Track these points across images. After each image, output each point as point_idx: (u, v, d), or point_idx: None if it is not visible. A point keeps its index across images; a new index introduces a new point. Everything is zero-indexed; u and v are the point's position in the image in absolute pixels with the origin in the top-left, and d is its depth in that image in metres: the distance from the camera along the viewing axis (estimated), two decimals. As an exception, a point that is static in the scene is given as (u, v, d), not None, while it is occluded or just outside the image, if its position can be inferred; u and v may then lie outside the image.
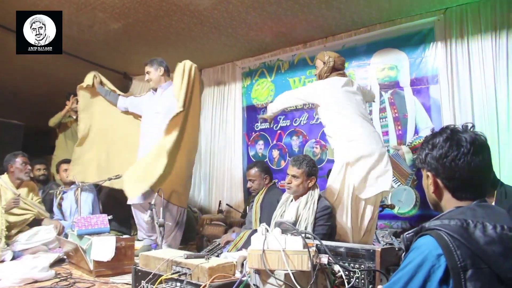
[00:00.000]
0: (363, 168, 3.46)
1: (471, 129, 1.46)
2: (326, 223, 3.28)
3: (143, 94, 4.90)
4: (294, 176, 3.41)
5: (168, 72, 4.65)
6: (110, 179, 4.40)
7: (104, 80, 5.01)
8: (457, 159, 1.41)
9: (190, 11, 4.83)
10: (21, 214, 4.40)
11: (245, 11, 4.81)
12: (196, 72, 4.39)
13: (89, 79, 4.94)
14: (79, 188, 4.42)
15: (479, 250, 1.23)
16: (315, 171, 3.48)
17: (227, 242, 4.07)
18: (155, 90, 4.64)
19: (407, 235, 1.44)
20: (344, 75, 3.85)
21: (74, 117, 6.14)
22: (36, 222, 4.56)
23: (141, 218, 4.34)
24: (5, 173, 4.53)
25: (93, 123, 5.05)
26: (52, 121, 6.09)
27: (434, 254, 1.25)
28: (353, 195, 3.48)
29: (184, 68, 4.30)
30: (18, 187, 4.53)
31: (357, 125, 3.58)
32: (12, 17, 4.34)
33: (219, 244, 4.11)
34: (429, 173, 1.49)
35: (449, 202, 1.46)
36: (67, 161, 5.25)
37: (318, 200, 3.38)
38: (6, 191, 4.40)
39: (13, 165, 4.49)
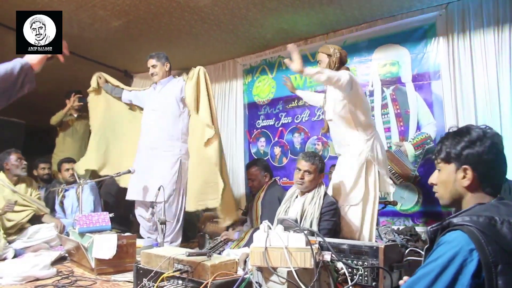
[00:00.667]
0: (382, 165, 3.59)
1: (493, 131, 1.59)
2: (331, 219, 3.29)
3: (147, 88, 4.89)
4: (307, 171, 3.42)
5: (170, 69, 4.64)
6: (111, 176, 4.40)
7: (108, 78, 5.03)
8: (495, 158, 1.54)
9: (190, 8, 4.81)
10: (20, 211, 4.40)
11: (245, 7, 4.79)
12: (208, 79, 4.39)
13: (93, 81, 4.97)
14: (80, 186, 4.40)
15: (507, 246, 1.30)
16: (324, 168, 3.54)
17: (228, 240, 4.07)
18: (155, 85, 4.61)
19: (431, 229, 1.52)
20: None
21: (75, 115, 6.13)
22: (36, 218, 4.56)
23: (142, 215, 4.34)
24: (1, 171, 4.54)
25: (101, 122, 5.04)
26: (54, 120, 6.09)
27: (467, 248, 1.30)
28: (374, 192, 3.56)
29: (199, 78, 4.29)
30: (16, 183, 4.53)
31: (371, 122, 3.72)
32: (11, 16, 4.32)
33: (220, 241, 4.10)
34: (466, 167, 1.55)
35: (473, 198, 1.55)
36: (69, 160, 5.25)
37: (324, 196, 3.38)
38: (3, 189, 4.40)
39: (8, 163, 4.50)
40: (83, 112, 6.01)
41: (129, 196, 4.42)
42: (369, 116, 3.71)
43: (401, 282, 1.71)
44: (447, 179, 1.61)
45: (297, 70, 3.39)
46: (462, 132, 1.58)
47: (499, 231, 1.31)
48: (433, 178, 1.72)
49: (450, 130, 1.66)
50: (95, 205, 5.10)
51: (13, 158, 4.51)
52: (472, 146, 1.53)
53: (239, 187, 6.28)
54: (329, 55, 3.72)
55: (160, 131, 4.38)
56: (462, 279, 1.29)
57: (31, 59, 2.24)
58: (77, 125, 6.14)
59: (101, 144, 4.96)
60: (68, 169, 5.18)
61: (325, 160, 5.48)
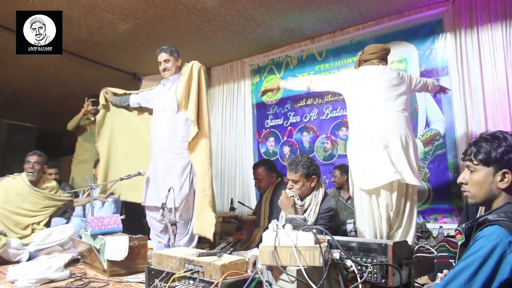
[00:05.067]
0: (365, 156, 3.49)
1: None
2: (326, 223, 3.21)
3: (153, 87, 4.73)
4: (293, 180, 3.35)
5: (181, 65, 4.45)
6: (121, 179, 4.40)
7: (115, 90, 4.90)
8: None
9: (197, 10, 4.84)
10: (35, 216, 4.52)
11: (252, 8, 4.81)
12: (203, 75, 4.26)
13: (101, 98, 4.88)
14: (91, 189, 4.44)
15: None
16: (313, 170, 3.36)
17: (238, 239, 4.06)
18: (165, 81, 4.44)
19: (466, 226, 1.66)
20: (375, 63, 3.71)
21: (92, 119, 6.21)
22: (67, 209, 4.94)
23: (153, 219, 4.30)
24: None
25: (111, 136, 4.97)
26: (70, 125, 6.18)
27: (506, 241, 1.41)
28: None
29: (192, 73, 4.16)
30: (35, 185, 4.61)
31: (366, 117, 3.54)
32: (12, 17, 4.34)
33: (230, 242, 4.11)
34: (507, 171, 1.65)
35: (505, 198, 1.66)
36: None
37: (323, 200, 3.33)
38: (24, 187, 4.49)
39: (24, 164, 4.61)
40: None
41: (147, 202, 4.35)
42: (354, 112, 3.67)
43: (441, 275, 1.81)
44: (483, 180, 1.71)
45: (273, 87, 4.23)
46: (499, 137, 1.68)
47: None
48: (463, 178, 1.79)
49: (484, 135, 1.75)
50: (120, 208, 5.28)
51: (27, 160, 4.60)
52: None
53: (249, 187, 6.29)
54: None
55: (170, 133, 4.22)
56: (503, 269, 1.39)
57: None
58: (94, 129, 6.20)
59: (112, 163, 4.92)
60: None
61: (334, 159, 5.51)
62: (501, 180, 1.66)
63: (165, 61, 4.32)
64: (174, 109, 4.24)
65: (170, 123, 4.24)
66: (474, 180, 1.74)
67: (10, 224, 4.36)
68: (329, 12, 4.99)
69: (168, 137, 4.24)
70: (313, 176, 3.36)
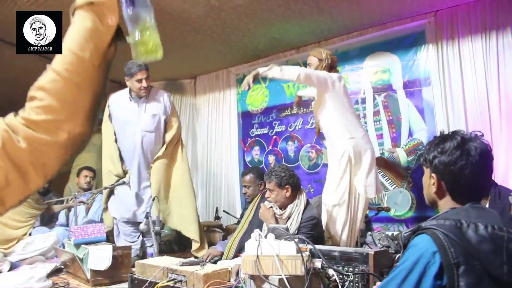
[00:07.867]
0: (364, 165, 3.55)
1: (480, 138, 1.54)
2: (308, 232, 3.22)
3: (113, 106, 4.51)
4: (269, 190, 3.45)
5: None
6: (106, 188, 4.39)
7: None
8: (464, 168, 1.49)
9: (183, 20, 4.85)
10: (19, 227, 4.49)
11: (237, 18, 4.84)
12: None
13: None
14: (75, 198, 4.41)
15: (471, 248, 1.33)
16: (286, 180, 3.38)
17: (214, 256, 4.06)
18: (136, 99, 4.36)
19: (404, 234, 1.55)
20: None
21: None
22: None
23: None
24: None
25: None
26: None
27: (430, 251, 1.33)
28: (356, 193, 3.56)
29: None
30: None
31: (356, 124, 3.69)
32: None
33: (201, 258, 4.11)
34: (434, 175, 1.57)
35: (447, 203, 1.56)
36: (89, 168, 5.41)
37: (305, 209, 3.36)
38: None
39: None
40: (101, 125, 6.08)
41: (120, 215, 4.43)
42: (352, 117, 3.73)
43: (374, 287, 1.78)
44: (424, 182, 1.66)
45: (252, 74, 3.81)
46: (441, 139, 1.58)
47: (464, 234, 1.35)
48: None
49: (438, 135, 1.65)
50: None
51: None
52: (442, 155, 1.53)
53: (234, 196, 6.31)
54: (320, 60, 3.79)
55: (155, 152, 4.35)
56: (425, 282, 1.32)
57: None
58: (94, 138, 6.12)
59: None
60: (86, 176, 5.33)
61: (318, 168, 5.54)
62: (433, 184, 1.58)
63: (145, 79, 4.19)
64: (156, 128, 4.34)
65: (157, 143, 4.37)
66: (423, 181, 1.68)
67: None
68: (313, 23, 5.04)
69: (151, 156, 4.34)
70: (286, 186, 3.38)
